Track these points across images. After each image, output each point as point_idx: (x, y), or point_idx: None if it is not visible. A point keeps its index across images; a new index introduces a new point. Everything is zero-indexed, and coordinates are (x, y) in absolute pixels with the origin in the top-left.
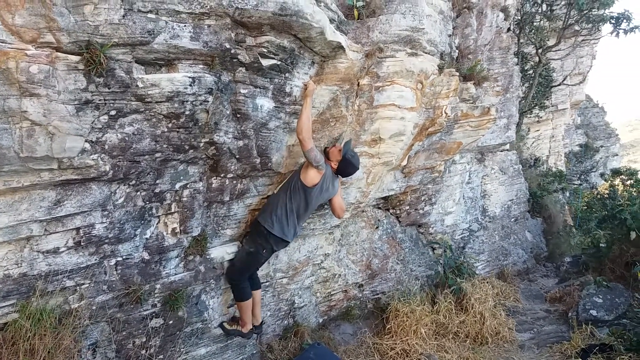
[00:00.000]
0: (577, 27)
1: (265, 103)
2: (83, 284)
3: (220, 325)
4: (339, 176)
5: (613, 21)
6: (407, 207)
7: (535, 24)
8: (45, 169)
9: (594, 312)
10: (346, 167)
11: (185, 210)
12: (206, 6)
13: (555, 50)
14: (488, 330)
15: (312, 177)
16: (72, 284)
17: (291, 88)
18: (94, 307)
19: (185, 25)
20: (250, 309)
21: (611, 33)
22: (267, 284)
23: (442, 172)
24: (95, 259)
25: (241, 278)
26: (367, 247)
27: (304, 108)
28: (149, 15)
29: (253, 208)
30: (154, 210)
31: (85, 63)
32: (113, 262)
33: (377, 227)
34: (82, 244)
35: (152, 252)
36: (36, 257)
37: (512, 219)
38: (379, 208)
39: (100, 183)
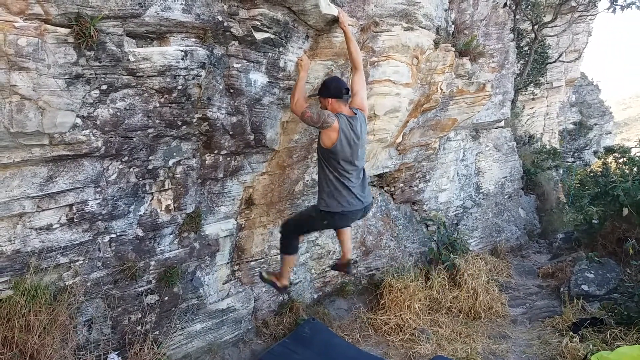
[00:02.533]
0: (573, 3)
1: (259, 78)
2: (77, 260)
3: (259, 274)
4: (356, 109)
5: None
6: (402, 185)
7: None
8: (36, 144)
9: (585, 287)
10: (328, 84)
11: (179, 187)
12: None
13: (552, 27)
14: (481, 305)
15: (327, 137)
16: (66, 261)
17: (285, 63)
18: (88, 284)
19: None
20: (292, 265)
21: (607, 9)
22: (262, 260)
23: (436, 150)
24: (89, 236)
25: (292, 232)
26: (361, 224)
27: (297, 82)
28: None
29: (248, 185)
30: (147, 187)
31: (75, 36)
32: (107, 238)
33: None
34: (75, 220)
35: (146, 229)
36: (29, 234)
37: (506, 196)
38: (374, 185)
39: (93, 159)
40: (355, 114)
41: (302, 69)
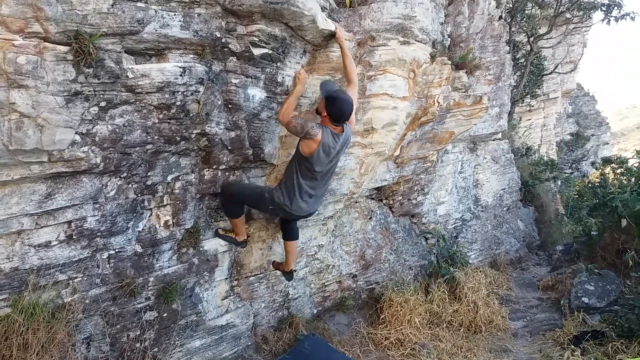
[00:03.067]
0: (568, 15)
1: (257, 93)
2: (76, 277)
3: (216, 232)
4: (345, 124)
5: (604, 8)
6: (400, 198)
7: (526, 11)
8: (35, 161)
9: (585, 300)
10: (333, 103)
11: (178, 202)
12: None
13: (547, 39)
14: (481, 318)
15: (306, 146)
16: (64, 278)
17: (283, 78)
18: (87, 301)
19: (175, 14)
20: (243, 223)
21: (602, 20)
22: (261, 275)
23: (434, 162)
24: (88, 253)
25: (236, 200)
26: (361, 237)
27: (290, 94)
28: (138, 4)
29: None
30: (146, 203)
31: (74, 53)
32: (106, 255)
33: (370, 218)
34: (74, 237)
35: (145, 244)
36: (28, 251)
37: (505, 208)
38: (372, 199)
39: (91, 176)
40: (344, 130)
41: (299, 82)
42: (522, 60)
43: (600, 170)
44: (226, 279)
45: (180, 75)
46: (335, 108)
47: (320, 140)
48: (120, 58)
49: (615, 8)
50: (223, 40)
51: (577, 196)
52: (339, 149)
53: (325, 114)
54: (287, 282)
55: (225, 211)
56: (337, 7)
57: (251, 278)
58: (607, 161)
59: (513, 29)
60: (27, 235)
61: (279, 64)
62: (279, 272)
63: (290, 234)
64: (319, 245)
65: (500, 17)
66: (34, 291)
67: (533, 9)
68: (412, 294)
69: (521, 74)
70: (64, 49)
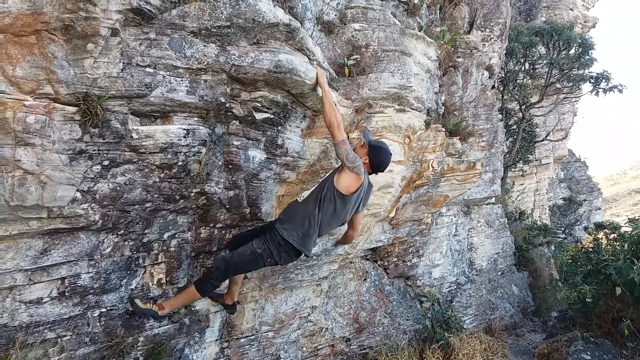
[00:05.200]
0: (558, 85)
1: (257, 154)
2: (65, 335)
3: (130, 300)
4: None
5: (592, 81)
6: (395, 259)
7: (518, 81)
8: (35, 217)
9: None
10: (378, 154)
11: (172, 260)
12: (203, 62)
13: (538, 107)
14: None
15: (349, 182)
16: (53, 336)
17: (283, 140)
18: None
19: (182, 80)
20: (189, 303)
21: (591, 92)
22: (253, 337)
23: (429, 224)
24: (79, 310)
25: (224, 275)
26: (355, 299)
27: (323, 97)
28: (147, 69)
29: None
30: (140, 260)
31: (82, 114)
32: (97, 313)
33: (365, 279)
34: (66, 294)
35: None
36: (18, 308)
37: (499, 273)
38: (367, 259)
39: (89, 232)
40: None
41: (322, 83)
42: (515, 127)
43: (593, 235)
44: (217, 340)
45: (184, 137)
46: (378, 158)
47: (362, 182)
48: (126, 119)
49: (604, 80)
50: (227, 105)
51: (571, 261)
52: (362, 196)
53: (367, 160)
54: (231, 315)
55: (198, 283)
56: (336, 77)
57: (242, 340)
58: (599, 226)
59: (505, 97)
60: (19, 291)
61: (279, 128)
62: (270, 335)
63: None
64: (313, 307)
65: (493, 87)
66: (21, 349)
67: (525, 79)
68: (406, 359)
69: (514, 140)
70: (73, 109)
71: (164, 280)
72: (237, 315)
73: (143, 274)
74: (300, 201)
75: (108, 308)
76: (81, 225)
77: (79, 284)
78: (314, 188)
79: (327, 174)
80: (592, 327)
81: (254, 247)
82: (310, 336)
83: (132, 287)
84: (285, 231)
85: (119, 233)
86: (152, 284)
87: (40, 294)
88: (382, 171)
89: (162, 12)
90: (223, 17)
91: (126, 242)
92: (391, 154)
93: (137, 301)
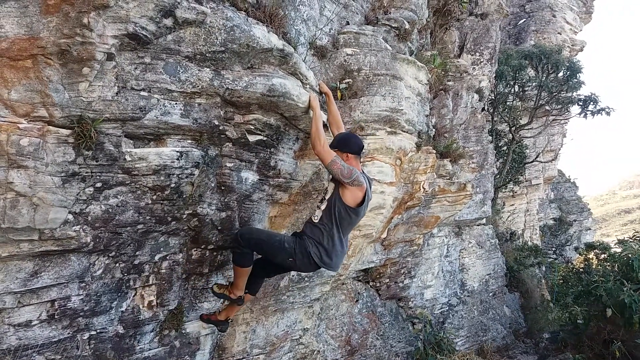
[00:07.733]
0: (547, 107)
1: (250, 176)
2: (54, 359)
3: (211, 288)
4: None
5: (581, 103)
6: (387, 280)
7: (508, 103)
8: (26, 239)
9: None
10: (349, 144)
11: (163, 282)
12: (198, 86)
13: (528, 129)
14: None
15: (356, 195)
16: None
17: (276, 162)
18: None
19: (176, 103)
20: (247, 277)
21: (579, 114)
22: None
23: (421, 245)
24: (69, 333)
25: (248, 243)
26: (347, 321)
27: (315, 121)
28: (142, 92)
29: (232, 280)
30: (131, 282)
31: (76, 136)
32: (86, 336)
33: (357, 300)
34: (56, 317)
35: (127, 325)
36: (7, 331)
37: (491, 294)
38: (359, 280)
39: (80, 254)
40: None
41: (313, 106)
42: (505, 148)
43: (583, 255)
44: None
45: (177, 159)
46: (351, 143)
47: (365, 188)
48: (119, 142)
49: (592, 103)
50: (221, 127)
51: (562, 282)
52: (370, 195)
53: (348, 153)
54: (222, 333)
55: (235, 258)
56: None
57: None
58: (590, 247)
59: (495, 119)
60: (7, 314)
61: (272, 150)
62: (261, 357)
63: (255, 288)
64: (304, 329)
65: (483, 109)
66: None
67: (514, 101)
68: None
69: (504, 161)
70: (66, 132)
71: (154, 303)
72: (227, 338)
73: (134, 295)
74: (316, 222)
75: (98, 331)
76: (72, 247)
77: (69, 307)
78: (324, 207)
79: (330, 193)
80: (584, 348)
81: (285, 239)
82: (302, 359)
83: (123, 309)
84: (312, 251)
85: (110, 255)
86: (143, 306)
87: (29, 317)
88: (363, 147)
89: (158, 37)
90: (218, 42)
91: (117, 264)
92: (353, 133)
93: (215, 287)
